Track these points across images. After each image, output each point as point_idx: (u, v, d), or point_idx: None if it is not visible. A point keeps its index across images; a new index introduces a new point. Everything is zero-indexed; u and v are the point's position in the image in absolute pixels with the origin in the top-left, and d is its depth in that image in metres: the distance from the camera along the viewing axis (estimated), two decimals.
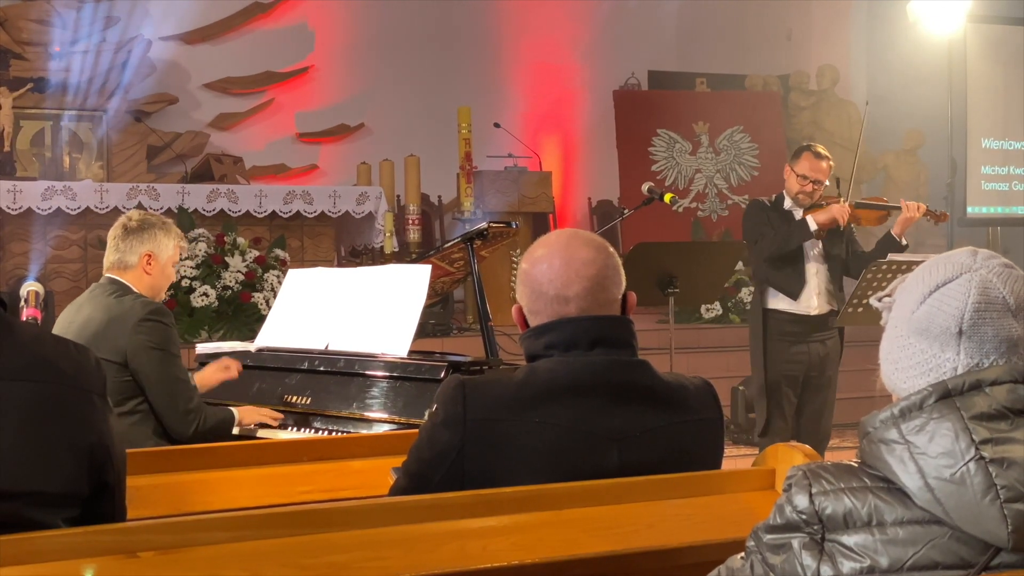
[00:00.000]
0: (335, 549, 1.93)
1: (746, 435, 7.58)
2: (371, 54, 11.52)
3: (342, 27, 11.58)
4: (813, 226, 5.44)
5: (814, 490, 1.61)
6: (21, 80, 9.61)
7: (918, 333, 1.64)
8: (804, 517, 1.60)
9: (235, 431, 4.06)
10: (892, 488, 1.59)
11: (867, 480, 1.61)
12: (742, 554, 1.71)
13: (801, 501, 1.61)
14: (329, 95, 11.56)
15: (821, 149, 5.62)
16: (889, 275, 5.39)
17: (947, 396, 1.58)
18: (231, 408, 4.09)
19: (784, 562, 1.61)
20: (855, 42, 12.63)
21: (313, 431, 4.09)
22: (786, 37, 12.63)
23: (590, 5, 12.07)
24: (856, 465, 1.64)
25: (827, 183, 5.60)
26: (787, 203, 5.61)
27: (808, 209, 5.54)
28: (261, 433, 4.13)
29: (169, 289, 7.44)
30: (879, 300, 1.75)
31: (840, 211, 5.43)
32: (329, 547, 1.93)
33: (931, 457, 1.55)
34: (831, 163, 5.60)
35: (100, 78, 9.97)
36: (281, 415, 4.18)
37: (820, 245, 5.58)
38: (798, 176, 5.53)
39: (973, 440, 1.54)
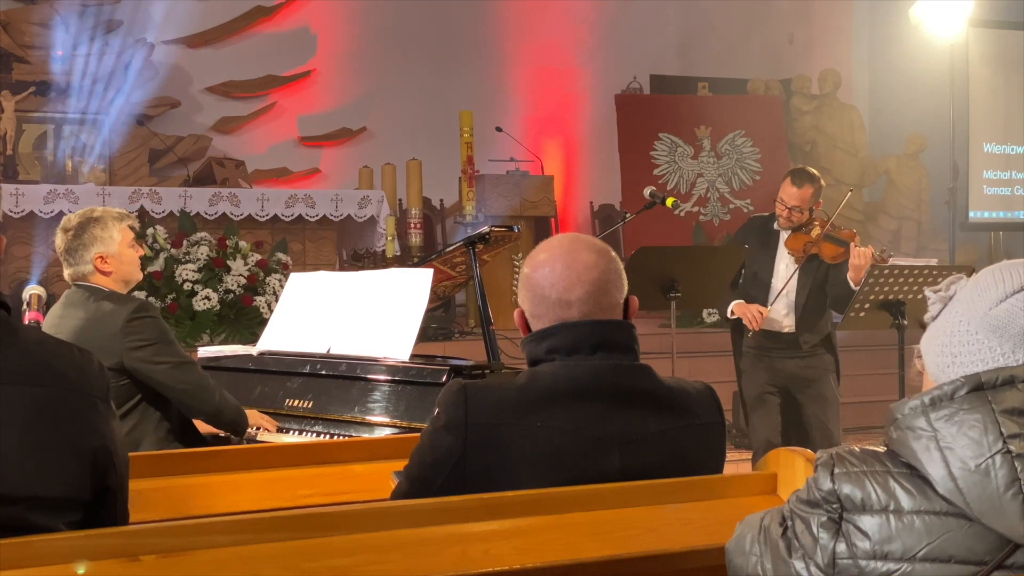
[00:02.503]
0: (337, 553, 1.93)
1: (748, 440, 7.57)
2: (373, 58, 11.53)
3: (344, 31, 11.59)
4: (728, 312, 5.53)
5: (836, 471, 1.63)
6: (24, 83, 9.61)
7: (991, 330, 1.65)
8: (824, 495, 1.63)
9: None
10: (914, 476, 1.60)
11: (890, 465, 1.62)
12: (782, 509, 1.74)
13: (824, 481, 1.64)
14: (331, 99, 11.57)
15: (803, 175, 5.48)
16: (891, 280, 5.39)
17: (979, 389, 1.59)
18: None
19: (804, 533, 1.65)
20: (857, 46, 12.63)
21: (315, 435, 4.09)
22: (788, 41, 12.63)
23: (592, 9, 12.08)
24: (881, 451, 1.65)
25: (811, 209, 5.45)
26: (775, 224, 5.58)
27: (792, 234, 5.47)
28: (261, 437, 4.13)
29: (171, 292, 7.56)
30: (934, 292, 1.75)
31: (753, 318, 5.38)
32: (331, 551, 1.93)
33: (957, 447, 1.56)
34: (815, 188, 5.44)
35: (102, 81, 9.97)
36: (277, 424, 4.20)
37: (795, 268, 5.49)
38: (776, 200, 5.50)
39: (1002, 433, 1.55)
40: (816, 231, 5.45)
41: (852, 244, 5.37)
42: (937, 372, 1.70)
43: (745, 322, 5.43)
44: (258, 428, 4.16)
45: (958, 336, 1.68)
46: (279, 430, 4.20)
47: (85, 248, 3.91)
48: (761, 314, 5.39)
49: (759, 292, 5.56)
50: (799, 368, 5.58)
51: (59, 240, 3.96)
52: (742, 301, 5.49)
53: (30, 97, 9.55)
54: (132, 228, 4.05)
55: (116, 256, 3.95)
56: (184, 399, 3.94)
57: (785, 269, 5.54)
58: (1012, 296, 1.66)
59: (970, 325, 1.67)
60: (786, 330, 5.56)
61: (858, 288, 5.34)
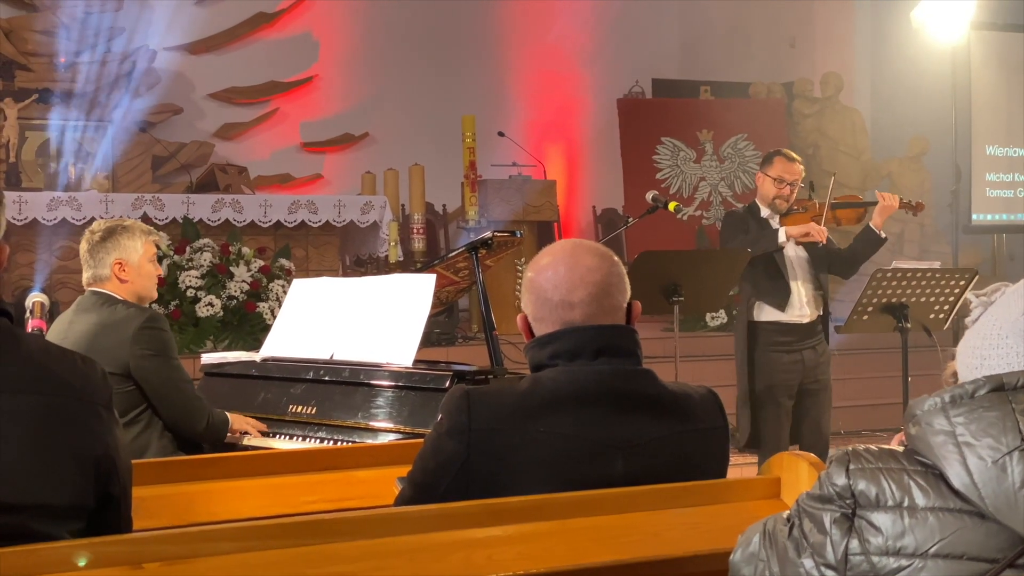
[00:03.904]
0: (341, 559, 1.93)
1: (739, 438, 7.55)
2: (375, 63, 11.54)
3: (346, 36, 11.60)
4: (783, 237, 5.41)
5: (852, 467, 1.64)
6: (26, 91, 9.63)
7: (1020, 335, 1.66)
8: (838, 490, 1.63)
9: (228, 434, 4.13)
10: (929, 474, 1.61)
11: (905, 463, 1.63)
12: (788, 512, 1.74)
13: (838, 477, 1.64)
14: (333, 104, 11.58)
15: (792, 153, 5.61)
16: (894, 283, 5.39)
17: (1000, 389, 1.60)
18: (226, 413, 4.16)
19: (813, 531, 1.65)
20: (859, 49, 12.62)
21: (318, 441, 4.09)
22: (790, 44, 12.62)
23: (593, 13, 12.08)
24: (898, 450, 1.66)
25: (801, 185, 5.55)
26: (764, 212, 5.55)
27: (785, 215, 5.50)
28: (262, 442, 4.13)
29: (175, 299, 7.56)
30: (977, 296, 1.77)
31: (818, 231, 5.36)
32: (335, 557, 1.93)
33: (975, 443, 1.57)
34: (802, 166, 5.57)
35: (105, 89, 9.98)
36: (265, 427, 4.22)
37: (803, 251, 5.53)
38: (774, 180, 5.49)
39: (1020, 431, 1.55)
40: (816, 205, 5.49)
41: (877, 193, 5.52)
42: (965, 372, 1.71)
43: (814, 236, 5.36)
44: (243, 433, 4.17)
45: (989, 339, 1.69)
46: (284, 436, 4.20)
47: (107, 252, 4.00)
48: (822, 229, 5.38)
49: (779, 287, 5.49)
50: (813, 359, 5.56)
51: (84, 243, 4.06)
52: (773, 221, 5.46)
53: (33, 105, 9.57)
54: (158, 246, 4.16)
55: (135, 267, 4.03)
56: (175, 415, 4.00)
57: (794, 255, 5.53)
58: None
59: (1001, 329, 1.69)
60: (807, 319, 5.53)
61: (883, 235, 5.47)
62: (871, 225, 5.50)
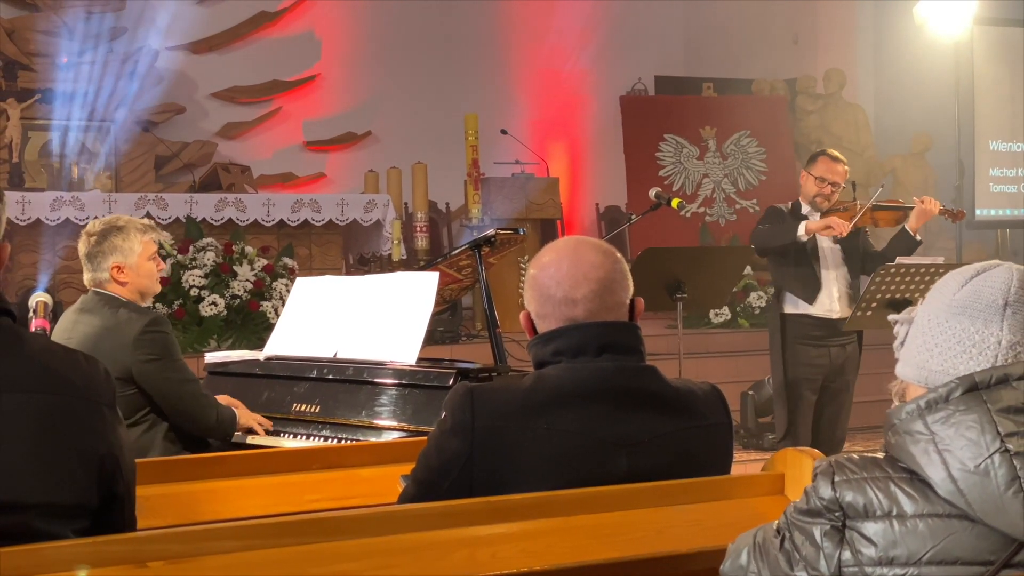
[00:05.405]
0: (344, 557, 1.93)
1: (755, 440, 7.56)
2: (378, 62, 11.54)
3: (349, 35, 11.60)
4: (801, 231, 5.42)
5: (837, 479, 1.63)
6: (29, 91, 9.63)
7: (959, 313, 1.66)
8: (825, 503, 1.63)
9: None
10: (915, 480, 1.60)
11: (890, 471, 1.63)
12: (777, 523, 1.73)
13: (824, 490, 1.64)
14: (336, 103, 11.58)
15: (837, 153, 5.67)
16: (898, 278, 5.39)
17: (974, 389, 1.60)
18: (232, 408, 4.16)
19: (805, 544, 1.64)
20: (862, 45, 12.60)
21: (322, 439, 4.09)
22: (792, 41, 12.61)
23: (596, 11, 12.08)
24: (880, 457, 1.66)
25: (843, 186, 5.61)
26: (804, 209, 5.58)
27: (825, 215, 5.53)
28: (266, 441, 4.13)
29: (178, 298, 7.56)
30: (895, 320, 1.77)
31: (838, 224, 5.39)
32: (338, 555, 1.93)
33: (955, 448, 1.57)
34: (846, 167, 5.63)
35: (108, 88, 9.98)
36: (270, 423, 4.22)
37: (839, 248, 5.56)
38: (816, 179, 5.54)
39: (999, 432, 1.55)
40: (856, 206, 5.55)
41: (916, 199, 5.61)
42: (918, 371, 1.70)
43: (835, 229, 5.38)
44: (248, 430, 4.17)
45: (930, 332, 1.69)
46: (288, 435, 4.20)
47: (104, 256, 3.98)
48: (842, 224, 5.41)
49: (808, 279, 5.50)
50: (841, 357, 5.57)
51: (82, 244, 4.04)
52: (812, 219, 5.46)
53: (35, 105, 9.57)
54: (157, 242, 4.11)
55: (133, 268, 4.00)
56: (183, 414, 4.00)
57: (829, 251, 5.53)
58: (973, 279, 1.69)
59: (938, 317, 1.69)
60: (837, 315, 5.53)
61: (918, 238, 5.55)
62: (907, 228, 5.56)
